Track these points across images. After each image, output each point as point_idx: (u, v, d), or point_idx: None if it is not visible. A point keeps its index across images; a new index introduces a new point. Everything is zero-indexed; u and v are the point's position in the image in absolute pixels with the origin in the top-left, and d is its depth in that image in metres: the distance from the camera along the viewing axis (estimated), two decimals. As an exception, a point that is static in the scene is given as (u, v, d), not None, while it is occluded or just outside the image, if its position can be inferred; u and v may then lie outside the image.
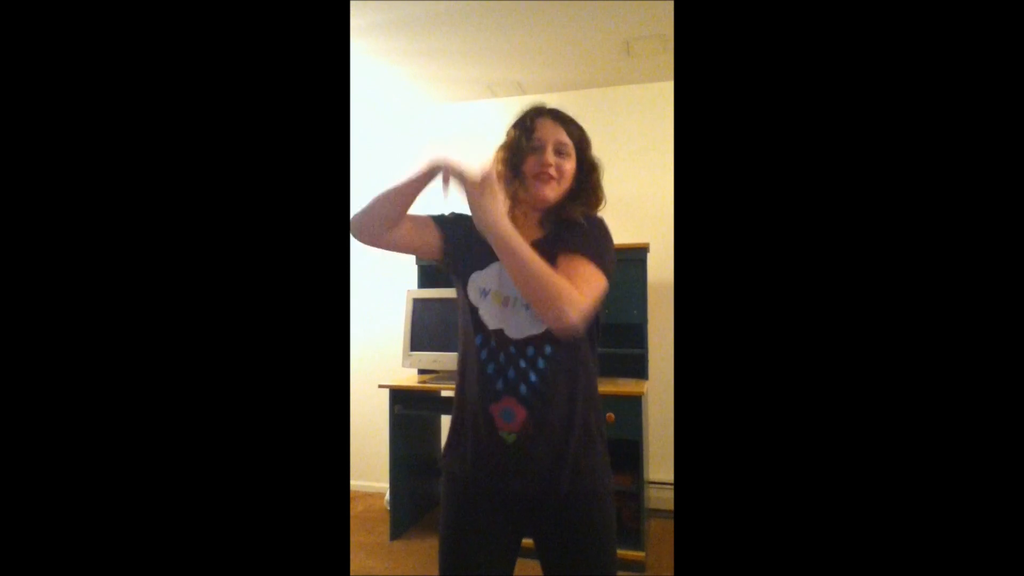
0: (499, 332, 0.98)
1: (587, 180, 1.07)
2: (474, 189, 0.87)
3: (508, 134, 1.08)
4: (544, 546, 1.02)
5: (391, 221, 0.97)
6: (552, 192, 1.02)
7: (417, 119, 3.28)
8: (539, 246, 0.95)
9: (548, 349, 0.97)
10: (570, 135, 1.05)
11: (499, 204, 0.90)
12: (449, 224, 1.05)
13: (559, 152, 1.03)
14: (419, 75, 2.86)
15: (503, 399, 0.96)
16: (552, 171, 1.01)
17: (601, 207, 1.08)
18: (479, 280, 1.02)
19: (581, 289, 0.90)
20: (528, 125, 1.05)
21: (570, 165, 1.04)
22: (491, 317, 1.00)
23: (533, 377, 0.96)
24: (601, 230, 1.03)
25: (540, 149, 1.02)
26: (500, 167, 1.05)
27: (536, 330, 0.97)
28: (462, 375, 1.04)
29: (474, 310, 1.01)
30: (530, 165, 1.03)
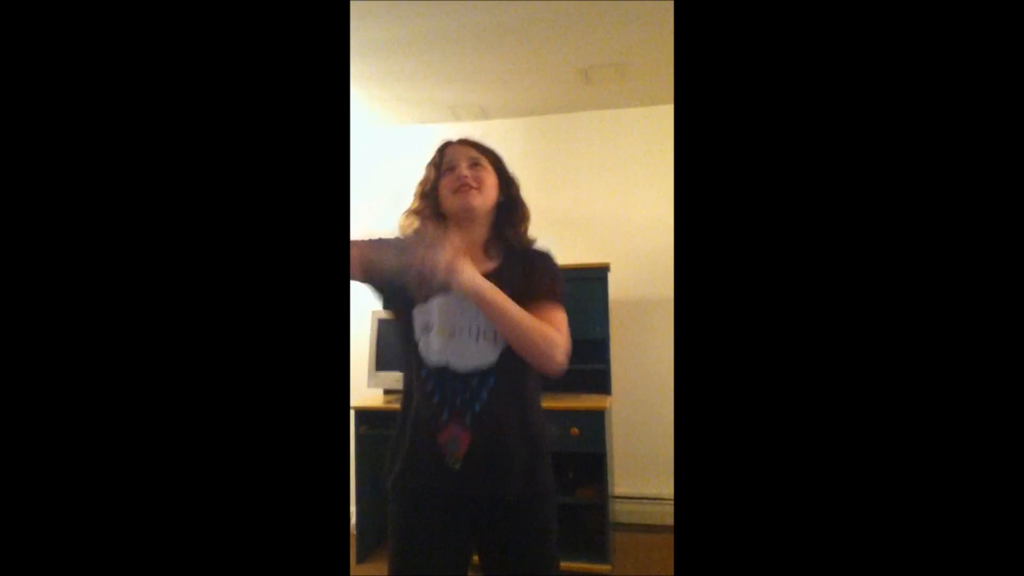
0: (444, 367, 0.99)
1: (509, 194, 1.10)
2: (449, 271, 0.89)
3: (422, 174, 1.11)
4: (486, 550, 1.04)
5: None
6: (476, 200, 1.03)
7: (380, 141, 3.32)
8: (493, 277, 0.99)
9: (492, 380, 0.98)
10: (481, 152, 1.08)
11: (471, 267, 0.93)
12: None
13: (473, 165, 1.05)
14: (382, 97, 2.91)
15: (448, 427, 0.98)
16: (469, 180, 1.03)
17: (527, 223, 1.12)
18: (421, 314, 1.02)
19: (558, 331, 0.97)
20: (437, 158, 1.09)
21: (490, 177, 1.06)
22: (434, 352, 1.00)
23: (477, 407, 0.98)
24: (554, 267, 1.07)
25: (453, 167, 1.05)
26: (413, 203, 1.09)
27: (483, 363, 0.98)
28: (407, 404, 1.05)
29: (415, 345, 1.02)
30: (446, 184, 1.05)
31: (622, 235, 2.94)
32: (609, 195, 3.01)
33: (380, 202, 3.26)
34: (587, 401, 2.39)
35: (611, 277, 2.69)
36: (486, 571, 1.05)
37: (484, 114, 3.11)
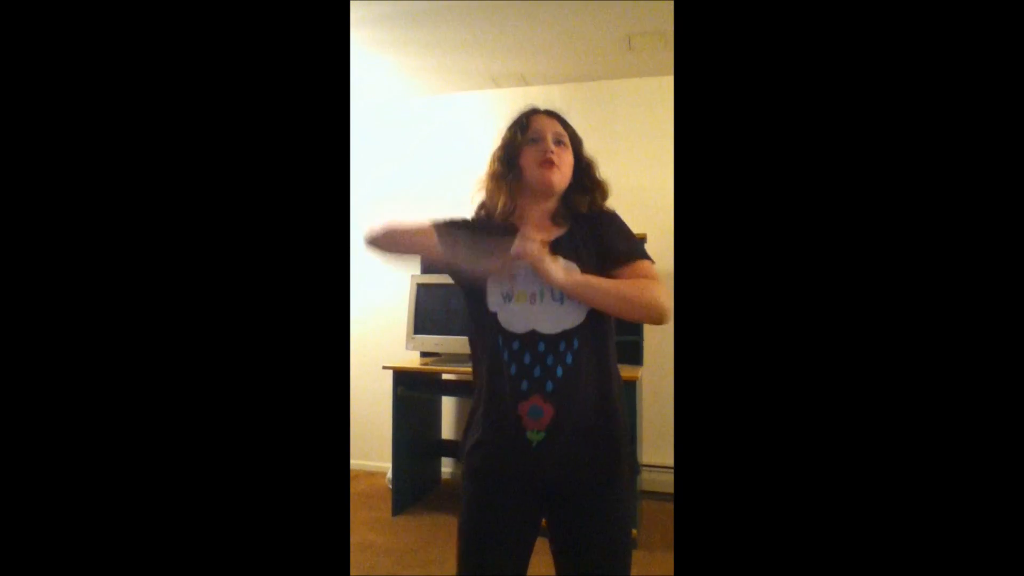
0: (530, 333, 0.98)
1: (588, 174, 1.11)
2: (537, 263, 0.94)
3: (503, 135, 1.11)
4: (560, 534, 1.03)
5: (401, 252, 1.06)
6: (557, 177, 1.05)
7: (420, 109, 3.34)
8: (560, 243, 1.02)
9: (576, 343, 0.98)
10: (565, 128, 1.09)
11: (558, 262, 0.97)
12: (450, 228, 1.05)
13: (558, 142, 1.06)
14: (422, 66, 2.92)
15: (530, 398, 0.96)
16: (553, 157, 1.04)
17: (605, 200, 1.13)
18: (497, 284, 1.01)
19: (654, 281, 0.99)
20: (524, 122, 1.09)
21: (569, 156, 1.07)
22: (518, 319, 0.99)
23: (560, 372, 0.96)
24: (624, 225, 1.09)
25: (539, 139, 1.05)
26: (496, 166, 1.09)
27: (571, 323, 0.98)
28: (483, 378, 1.04)
29: (493, 315, 1.01)
30: (530, 155, 1.05)
31: (660, 206, 2.91)
32: (648, 165, 2.97)
33: (420, 169, 3.31)
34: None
35: (647, 248, 2.67)
36: (556, 548, 1.04)
37: (524, 81, 3.08)
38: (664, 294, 0.97)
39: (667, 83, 2.96)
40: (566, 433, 0.96)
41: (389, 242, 1.04)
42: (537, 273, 0.95)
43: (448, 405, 3.20)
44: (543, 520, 1.04)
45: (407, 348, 2.83)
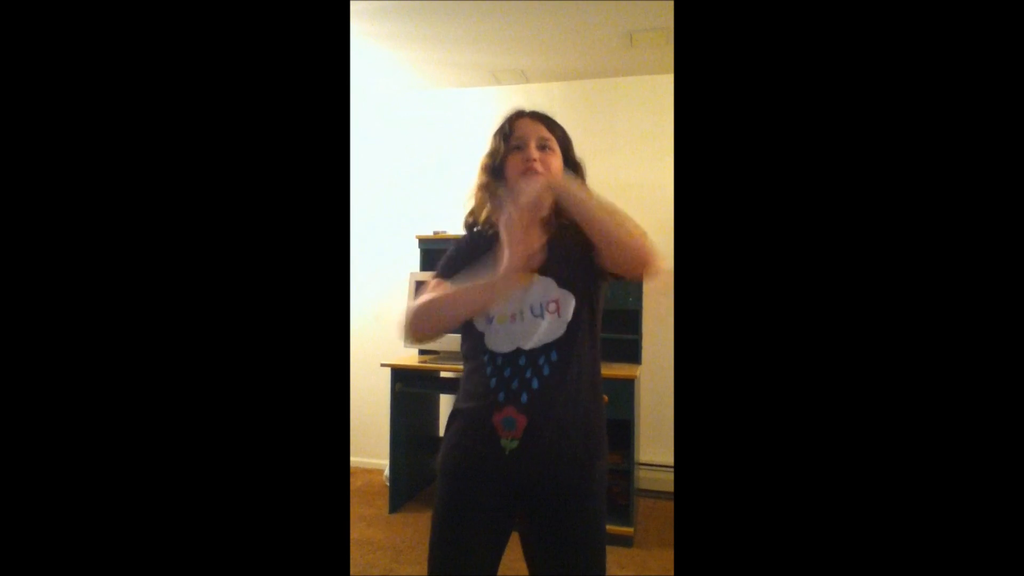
0: (514, 351, 0.98)
1: (578, 177, 1.07)
2: (535, 196, 0.93)
3: (490, 143, 1.09)
4: (533, 536, 1.02)
5: (452, 326, 1.01)
6: None
7: (419, 104, 3.33)
8: (551, 244, 0.98)
9: (554, 354, 0.98)
10: (551, 131, 1.06)
11: (545, 178, 0.96)
12: (452, 270, 1.05)
13: (542, 147, 1.03)
14: (422, 60, 2.90)
15: (504, 409, 0.97)
16: (537, 165, 1.00)
17: None
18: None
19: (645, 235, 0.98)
20: (507, 129, 1.05)
21: (556, 161, 1.04)
22: (502, 339, 0.99)
23: (536, 383, 0.96)
24: None
25: (522, 146, 1.02)
26: (482, 178, 1.06)
27: (551, 337, 0.98)
28: (465, 389, 1.05)
29: (479, 336, 1.02)
30: (514, 164, 1.02)
31: (661, 205, 2.90)
32: (649, 163, 2.96)
33: (418, 165, 3.30)
34: (618, 370, 2.42)
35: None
36: (528, 549, 1.04)
37: (524, 78, 3.07)
38: (654, 245, 0.96)
39: (668, 80, 2.94)
40: (540, 441, 0.96)
41: (433, 328, 1.02)
42: (554, 195, 0.95)
43: (446, 403, 3.19)
44: (516, 517, 1.04)
45: (405, 346, 2.82)
